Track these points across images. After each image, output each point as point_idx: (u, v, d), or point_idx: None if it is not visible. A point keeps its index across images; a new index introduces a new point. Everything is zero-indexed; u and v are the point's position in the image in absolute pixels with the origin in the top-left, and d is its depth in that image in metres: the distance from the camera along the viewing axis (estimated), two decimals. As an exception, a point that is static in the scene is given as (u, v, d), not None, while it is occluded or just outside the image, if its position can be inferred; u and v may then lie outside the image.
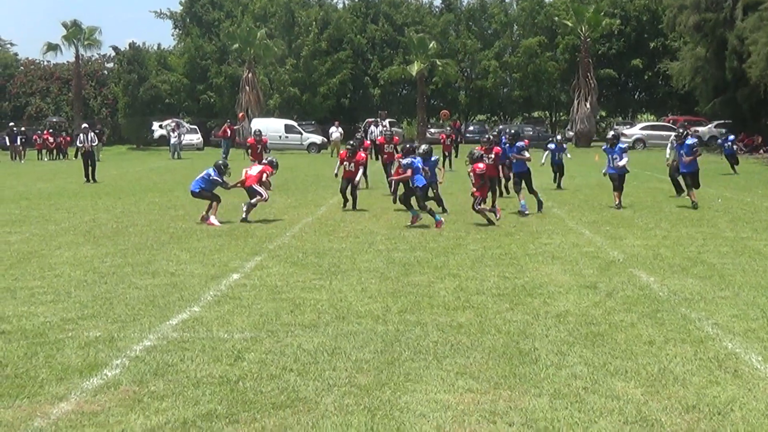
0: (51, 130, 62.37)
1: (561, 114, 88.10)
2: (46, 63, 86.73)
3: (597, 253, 16.25)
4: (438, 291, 12.74)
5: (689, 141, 24.61)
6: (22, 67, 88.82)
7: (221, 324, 10.80)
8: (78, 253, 16.74)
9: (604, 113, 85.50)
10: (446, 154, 40.46)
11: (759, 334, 10.24)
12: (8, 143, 57.35)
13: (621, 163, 23.79)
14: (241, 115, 64.28)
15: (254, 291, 12.81)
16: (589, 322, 10.80)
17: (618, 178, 24.03)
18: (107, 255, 16.43)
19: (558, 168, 30.70)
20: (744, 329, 10.45)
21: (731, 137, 40.55)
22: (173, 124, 58.71)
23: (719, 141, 45.75)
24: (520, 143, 23.83)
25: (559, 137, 31.41)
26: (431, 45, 72.84)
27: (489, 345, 9.74)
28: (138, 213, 23.78)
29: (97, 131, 56.66)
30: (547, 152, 31.00)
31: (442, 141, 42.05)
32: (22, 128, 61.07)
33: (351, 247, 17.18)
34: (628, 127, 70.22)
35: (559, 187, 30.24)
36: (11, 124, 62.26)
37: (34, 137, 60.25)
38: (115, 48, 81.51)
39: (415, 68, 71.71)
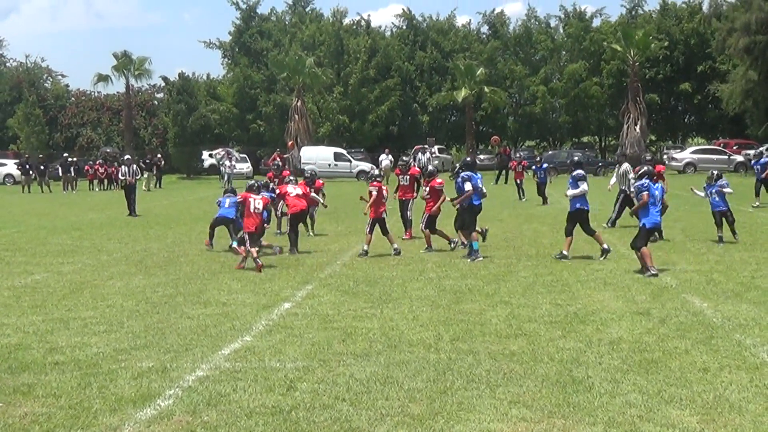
0: (102, 161, 62.92)
1: (610, 139, 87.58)
2: (96, 94, 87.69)
3: (649, 279, 16.14)
4: (490, 319, 12.71)
5: (721, 182, 22.30)
6: (73, 98, 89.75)
7: (273, 353, 10.84)
8: (130, 283, 16.90)
9: (653, 137, 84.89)
10: (518, 182, 40.14)
11: (816, 360, 10.12)
12: (61, 173, 57.89)
13: (568, 193, 19.94)
14: (290, 143, 64.54)
15: (305, 320, 12.85)
16: (642, 349, 10.73)
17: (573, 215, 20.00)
18: (159, 285, 16.56)
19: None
20: (801, 356, 10.33)
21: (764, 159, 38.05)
22: (223, 152, 58.99)
23: (752, 163, 43.49)
24: (578, 171, 20.07)
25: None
26: (479, 71, 72.80)
27: (542, 373, 9.69)
28: (189, 242, 23.94)
29: (147, 161, 57.29)
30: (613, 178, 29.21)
31: (512, 168, 42.13)
32: (74, 159, 61.63)
33: (402, 275, 17.20)
34: (679, 150, 69.75)
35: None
36: (65, 154, 62.96)
37: (85, 168, 60.84)
38: (164, 78, 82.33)
39: (461, 94, 71.66)
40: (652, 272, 16.55)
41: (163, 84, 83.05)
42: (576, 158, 19.14)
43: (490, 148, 70.29)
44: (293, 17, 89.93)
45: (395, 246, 20.82)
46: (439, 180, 22.31)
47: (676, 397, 8.76)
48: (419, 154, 55.30)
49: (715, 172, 23.01)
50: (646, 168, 19.02)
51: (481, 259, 19.24)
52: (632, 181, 23.38)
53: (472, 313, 13.14)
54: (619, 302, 13.92)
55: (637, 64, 71.05)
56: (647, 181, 17.78)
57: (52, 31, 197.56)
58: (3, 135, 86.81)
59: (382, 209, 20.95)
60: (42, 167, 58.23)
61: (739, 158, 64.30)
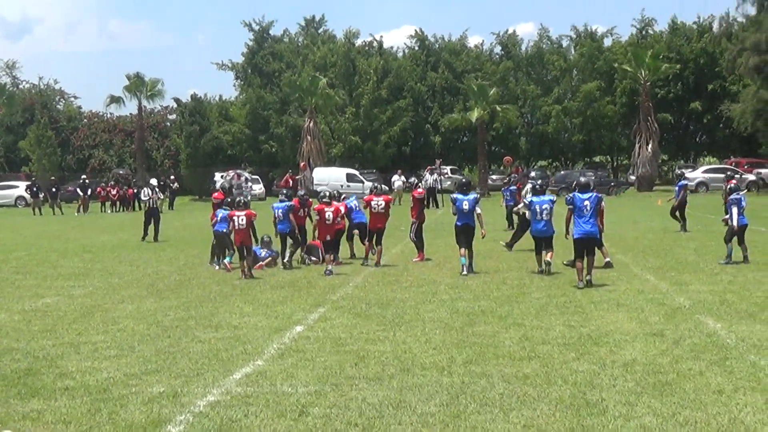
0: (114, 182, 63.04)
1: (622, 158, 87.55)
2: (109, 115, 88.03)
3: (663, 300, 16.08)
4: (503, 341, 12.65)
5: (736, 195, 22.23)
6: (85, 120, 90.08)
7: (285, 378, 10.80)
8: (141, 306, 16.88)
9: (665, 157, 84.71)
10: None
11: (832, 382, 10.05)
12: (81, 194, 58.07)
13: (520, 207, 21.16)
14: (302, 164, 64.65)
15: (318, 343, 12.80)
16: (656, 371, 10.67)
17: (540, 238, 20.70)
18: (170, 308, 16.53)
19: None
20: (816, 377, 10.25)
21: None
22: (233, 174, 59.07)
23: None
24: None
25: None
26: (492, 92, 72.79)
27: (556, 396, 9.64)
28: (201, 265, 23.90)
29: (161, 183, 57.14)
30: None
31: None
32: (87, 180, 61.77)
33: (414, 297, 17.15)
34: (691, 170, 69.56)
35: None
36: (83, 176, 63.18)
37: (98, 189, 60.99)
38: (177, 100, 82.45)
39: (474, 115, 71.60)
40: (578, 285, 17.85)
41: (175, 105, 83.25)
42: (583, 180, 19.04)
43: (502, 168, 70.11)
44: (306, 38, 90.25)
45: (329, 267, 21.45)
46: (420, 190, 25.01)
47: (691, 420, 8.70)
48: (426, 174, 55.28)
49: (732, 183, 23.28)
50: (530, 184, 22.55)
51: (464, 274, 20.37)
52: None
53: (485, 336, 13.08)
54: (632, 323, 13.84)
55: (648, 84, 71.05)
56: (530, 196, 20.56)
57: (65, 53, 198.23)
58: (15, 157, 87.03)
59: (326, 233, 22.12)
60: (54, 189, 58.31)
61: (751, 177, 64.30)
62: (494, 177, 72.98)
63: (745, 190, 22.94)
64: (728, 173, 34.29)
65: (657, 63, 70.41)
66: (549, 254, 20.36)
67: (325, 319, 14.98)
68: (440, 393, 9.88)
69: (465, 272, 20.49)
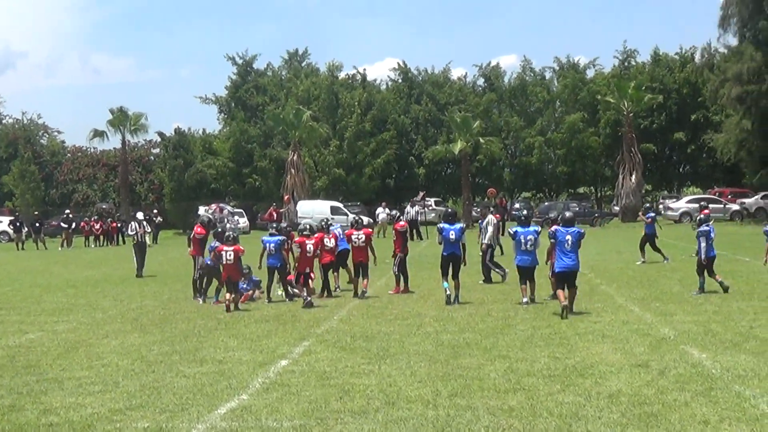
0: (97, 217, 62.96)
1: (606, 189, 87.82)
2: (92, 150, 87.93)
3: (647, 331, 16.10)
4: (488, 373, 12.64)
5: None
6: (69, 154, 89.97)
7: (270, 412, 10.77)
8: (125, 341, 16.83)
9: (649, 187, 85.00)
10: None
11: (816, 411, 10.06)
12: (66, 228, 57.93)
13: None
14: (286, 197, 64.60)
15: (303, 377, 12.78)
16: (641, 402, 10.68)
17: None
18: (155, 343, 16.49)
19: None
20: (801, 407, 10.27)
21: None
22: (215, 208, 59.02)
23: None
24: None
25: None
26: (475, 124, 73.07)
27: (541, 428, 9.65)
28: (185, 299, 23.83)
29: (147, 217, 57.04)
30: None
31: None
32: (70, 215, 61.67)
33: (399, 330, 17.12)
34: (675, 200, 69.83)
35: None
36: (66, 211, 63.09)
37: (81, 224, 60.89)
38: (160, 134, 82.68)
39: (458, 147, 71.81)
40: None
41: (159, 140, 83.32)
42: (567, 215, 19.29)
43: (486, 200, 70.27)
44: (289, 72, 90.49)
45: (309, 299, 21.62)
46: (402, 223, 25.43)
47: (677, 452, 8.70)
48: (408, 206, 55.27)
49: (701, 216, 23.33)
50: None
51: (450, 302, 20.79)
52: (490, 231, 25.83)
53: (470, 368, 13.07)
54: (617, 354, 13.85)
55: (631, 115, 71.40)
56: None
57: (48, 87, 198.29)
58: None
59: (306, 265, 22.13)
60: (37, 224, 58.23)
61: (735, 207, 64.69)
62: (478, 209, 73.02)
63: (712, 221, 22.81)
64: (701, 203, 34.24)
65: (640, 94, 70.83)
66: (531, 288, 20.76)
67: (310, 352, 14.96)
68: (426, 426, 9.88)
69: (450, 301, 20.76)
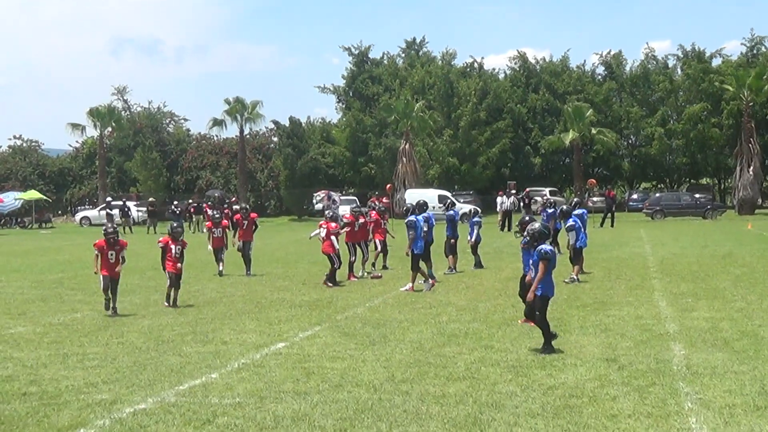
0: (210, 204, 64.42)
1: (729, 181, 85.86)
2: (216, 137, 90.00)
3: (651, 326, 16.18)
4: (456, 362, 13.08)
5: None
6: (194, 142, 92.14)
7: (223, 390, 11.50)
8: (156, 321, 17.77)
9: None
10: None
11: (735, 410, 10.25)
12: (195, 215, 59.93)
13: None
14: (388, 186, 65.22)
15: (282, 359, 13.48)
16: (573, 395, 10.97)
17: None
18: (184, 323, 17.45)
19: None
20: (725, 405, 10.46)
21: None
22: (323, 195, 59.98)
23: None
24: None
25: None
26: (588, 113, 72.57)
27: (454, 414, 10.11)
28: (243, 284, 24.71)
29: (152, 207, 59.13)
30: None
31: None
32: (197, 203, 63.07)
33: (413, 318, 17.61)
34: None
35: None
36: (189, 200, 65.36)
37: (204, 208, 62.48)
38: (275, 122, 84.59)
39: (569, 137, 71.58)
40: None
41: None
42: (564, 208, 19.96)
43: (588, 191, 69.91)
44: (405, 61, 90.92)
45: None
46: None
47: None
48: (503, 198, 55.04)
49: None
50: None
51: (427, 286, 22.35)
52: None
53: (446, 357, 13.51)
54: (598, 348, 14.01)
55: (750, 104, 69.98)
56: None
57: (174, 77, 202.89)
58: (126, 178, 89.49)
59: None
60: (152, 209, 60.22)
61: None
62: (595, 199, 72.28)
63: None
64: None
65: (760, 83, 69.33)
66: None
67: (314, 337, 15.61)
68: (347, 408, 10.42)
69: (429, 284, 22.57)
